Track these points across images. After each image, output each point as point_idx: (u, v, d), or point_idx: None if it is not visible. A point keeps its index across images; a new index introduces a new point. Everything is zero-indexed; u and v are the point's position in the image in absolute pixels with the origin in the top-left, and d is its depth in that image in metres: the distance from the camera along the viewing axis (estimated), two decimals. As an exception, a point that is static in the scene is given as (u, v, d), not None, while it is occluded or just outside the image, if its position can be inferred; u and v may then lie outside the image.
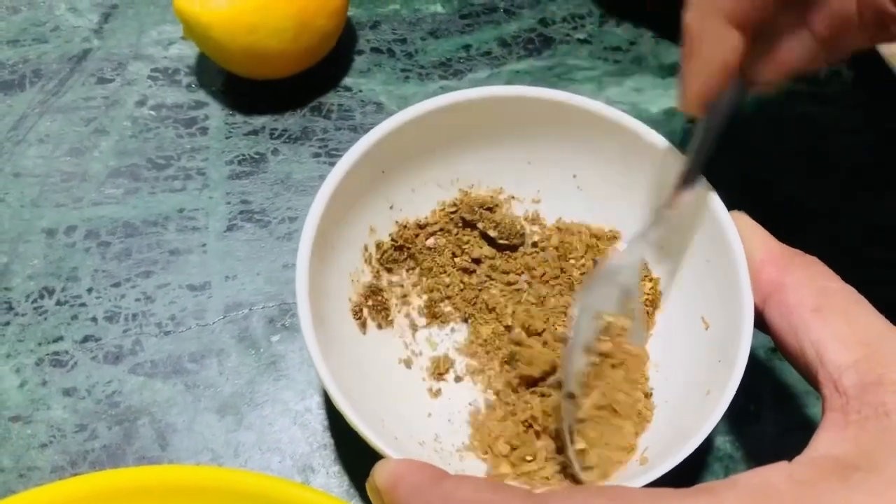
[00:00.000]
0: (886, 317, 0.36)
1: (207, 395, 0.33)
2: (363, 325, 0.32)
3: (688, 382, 0.29)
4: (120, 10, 0.44)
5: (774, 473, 0.19)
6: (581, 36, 0.44)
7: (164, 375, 0.33)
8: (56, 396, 0.33)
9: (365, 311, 0.32)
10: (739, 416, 0.34)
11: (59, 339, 0.34)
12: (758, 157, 0.41)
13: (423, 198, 0.34)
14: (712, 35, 0.26)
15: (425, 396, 0.32)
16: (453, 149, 0.33)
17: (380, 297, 0.33)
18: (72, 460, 0.32)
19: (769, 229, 0.37)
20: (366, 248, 0.33)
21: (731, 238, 0.28)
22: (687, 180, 0.29)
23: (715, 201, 0.29)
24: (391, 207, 0.33)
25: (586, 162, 0.33)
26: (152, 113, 0.40)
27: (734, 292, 0.27)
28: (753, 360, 0.31)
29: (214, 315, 0.35)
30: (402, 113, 0.30)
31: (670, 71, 0.43)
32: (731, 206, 0.39)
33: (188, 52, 0.42)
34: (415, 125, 0.31)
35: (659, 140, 0.31)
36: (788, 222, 0.39)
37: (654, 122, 0.41)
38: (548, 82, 0.42)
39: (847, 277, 0.37)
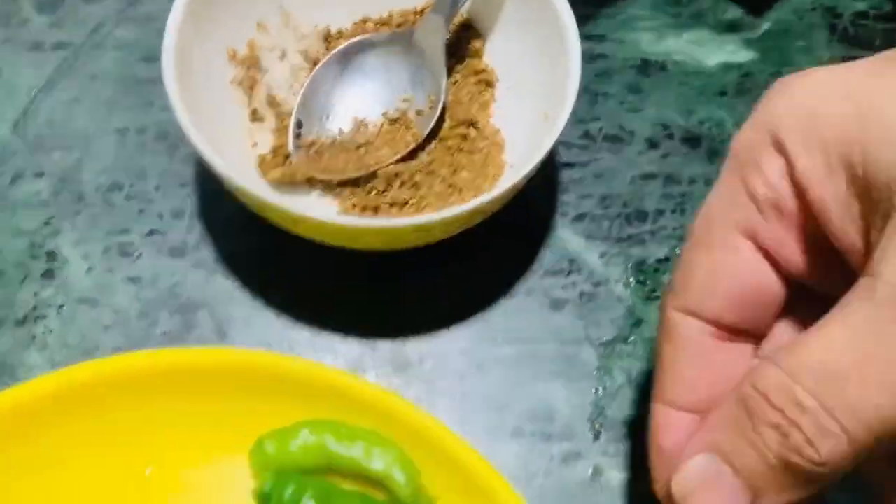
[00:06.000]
0: None
1: (269, 293, 0.34)
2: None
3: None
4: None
5: None
6: (644, -12, 0.45)
7: (224, 273, 0.35)
8: (121, 284, 0.34)
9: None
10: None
11: (126, 230, 0.35)
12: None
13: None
14: None
15: None
16: None
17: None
18: (133, 343, 0.33)
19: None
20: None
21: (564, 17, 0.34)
22: None
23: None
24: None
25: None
26: (223, 30, 0.41)
27: (562, 61, 0.33)
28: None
29: (275, 220, 0.36)
30: None
31: (728, 27, 0.43)
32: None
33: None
34: None
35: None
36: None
37: (708, 76, 0.42)
38: (609, 28, 0.43)
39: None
